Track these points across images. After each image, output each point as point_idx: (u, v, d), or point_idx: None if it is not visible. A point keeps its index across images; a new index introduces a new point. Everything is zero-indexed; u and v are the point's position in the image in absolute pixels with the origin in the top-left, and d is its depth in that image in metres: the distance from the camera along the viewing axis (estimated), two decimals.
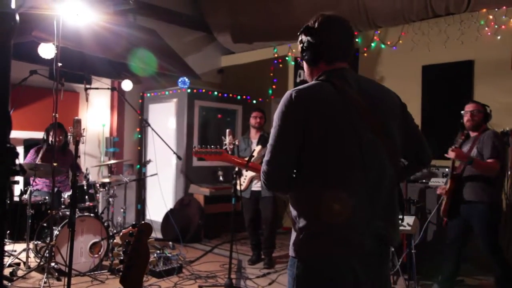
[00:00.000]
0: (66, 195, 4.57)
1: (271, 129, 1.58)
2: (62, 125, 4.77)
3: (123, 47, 5.26)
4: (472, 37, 5.13)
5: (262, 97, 7.21)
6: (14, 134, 5.36)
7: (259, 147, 4.64)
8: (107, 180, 5.14)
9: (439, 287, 3.83)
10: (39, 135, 5.06)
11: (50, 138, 4.80)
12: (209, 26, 7.55)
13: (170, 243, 5.45)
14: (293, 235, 1.58)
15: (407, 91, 4.93)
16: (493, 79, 4.96)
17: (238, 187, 4.20)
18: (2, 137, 0.94)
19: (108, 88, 5.71)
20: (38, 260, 4.28)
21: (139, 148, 6.94)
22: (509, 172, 4.44)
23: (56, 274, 4.04)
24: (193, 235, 5.84)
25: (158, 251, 4.64)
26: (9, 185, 3.75)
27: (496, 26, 4.97)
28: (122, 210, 5.38)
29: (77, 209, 4.14)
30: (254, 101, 7.16)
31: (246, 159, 2.35)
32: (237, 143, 4.02)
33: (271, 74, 7.28)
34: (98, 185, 4.93)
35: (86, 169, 4.99)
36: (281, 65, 7.18)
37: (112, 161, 6.05)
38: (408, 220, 3.65)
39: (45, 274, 3.84)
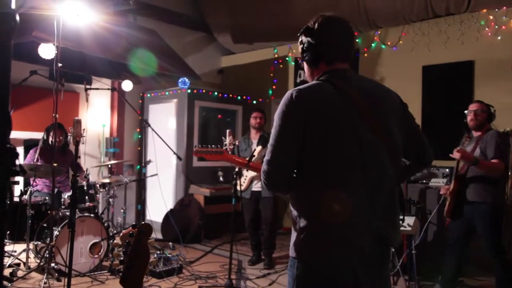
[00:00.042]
0: (66, 195, 4.57)
1: (272, 129, 1.58)
2: (62, 126, 4.77)
3: (123, 47, 5.26)
4: (473, 37, 5.13)
5: (262, 98, 7.21)
6: (14, 134, 5.37)
7: (260, 147, 4.64)
8: (107, 180, 5.14)
9: (441, 287, 3.82)
10: (39, 135, 5.06)
11: (50, 138, 4.80)
12: (209, 26, 7.55)
13: (170, 243, 5.45)
14: (293, 235, 1.58)
15: (407, 92, 4.91)
16: (494, 80, 4.96)
17: (238, 188, 4.19)
18: (2, 138, 0.94)
19: (108, 89, 5.71)
20: (38, 261, 4.28)
21: (139, 148, 6.95)
22: (510, 173, 4.44)
23: (56, 274, 4.04)
24: (193, 235, 5.83)
25: (158, 252, 4.64)
26: (9, 185, 3.75)
27: (496, 27, 4.97)
28: (122, 210, 5.38)
29: (77, 210, 4.14)
30: (254, 102, 7.16)
31: (247, 159, 2.35)
32: (237, 143, 4.02)
33: (271, 75, 7.28)
34: (98, 185, 4.93)
35: (86, 170, 4.99)
36: (281, 66, 7.18)
37: (112, 162, 6.04)
38: (409, 221, 3.64)
39: (45, 274, 3.83)
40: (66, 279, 3.17)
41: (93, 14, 4.25)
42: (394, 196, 1.60)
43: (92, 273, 4.24)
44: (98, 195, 4.91)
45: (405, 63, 5.71)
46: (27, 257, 4.25)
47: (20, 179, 5.07)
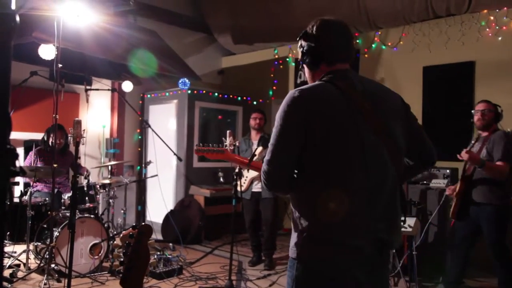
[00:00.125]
0: (66, 196, 4.57)
1: (273, 128, 1.58)
2: (63, 127, 4.77)
3: (124, 48, 5.26)
4: (473, 38, 5.13)
5: (262, 98, 7.21)
6: (14, 135, 5.36)
7: (260, 148, 4.63)
8: (107, 181, 5.13)
9: None
10: (39, 136, 5.06)
11: (50, 140, 4.80)
12: (210, 27, 7.55)
13: (171, 244, 5.44)
14: (294, 236, 1.57)
15: (408, 92, 4.94)
16: (494, 80, 4.95)
17: (238, 188, 4.19)
18: (2, 138, 0.94)
19: (108, 89, 5.71)
20: (38, 262, 4.27)
21: (139, 149, 6.94)
22: None
23: (56, 275, 4.03)
24: (194, 236, 5.83)
25: (159, 253, 4.63)
26: (9, 186, 3.74)
27: (497, 27, 4.97)
28: (122, 211, 5.38)
29: (77, 210, 4.13)
30: (255, 102, 7.16)
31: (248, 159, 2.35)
32: (237, 144, 4.02)
33: (272, 75, 7.27)
34: (98, 186, 4.92)
35: (87, 170, 4.98)
36: (281, 66, 7.18)
37: (112, 162, 6.03)
38: (409, 222, 3.64)
39: (45, 275, 3.82)
40: (66, 280, 3.17)
41: (93, 15, 4.25)
42: (396, 197, 1.60)
43: (92, 274, 4.23)
44: (98, 196, 4.91)
45: (405, 64, 5.71)
46: (27, 258, 4.24)
47: (20, 179, 5.07)
